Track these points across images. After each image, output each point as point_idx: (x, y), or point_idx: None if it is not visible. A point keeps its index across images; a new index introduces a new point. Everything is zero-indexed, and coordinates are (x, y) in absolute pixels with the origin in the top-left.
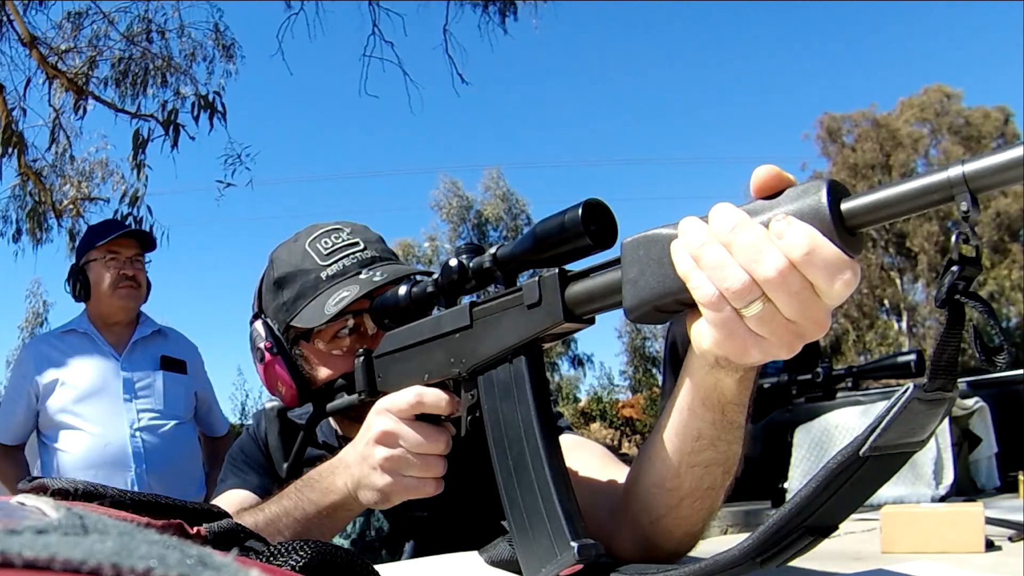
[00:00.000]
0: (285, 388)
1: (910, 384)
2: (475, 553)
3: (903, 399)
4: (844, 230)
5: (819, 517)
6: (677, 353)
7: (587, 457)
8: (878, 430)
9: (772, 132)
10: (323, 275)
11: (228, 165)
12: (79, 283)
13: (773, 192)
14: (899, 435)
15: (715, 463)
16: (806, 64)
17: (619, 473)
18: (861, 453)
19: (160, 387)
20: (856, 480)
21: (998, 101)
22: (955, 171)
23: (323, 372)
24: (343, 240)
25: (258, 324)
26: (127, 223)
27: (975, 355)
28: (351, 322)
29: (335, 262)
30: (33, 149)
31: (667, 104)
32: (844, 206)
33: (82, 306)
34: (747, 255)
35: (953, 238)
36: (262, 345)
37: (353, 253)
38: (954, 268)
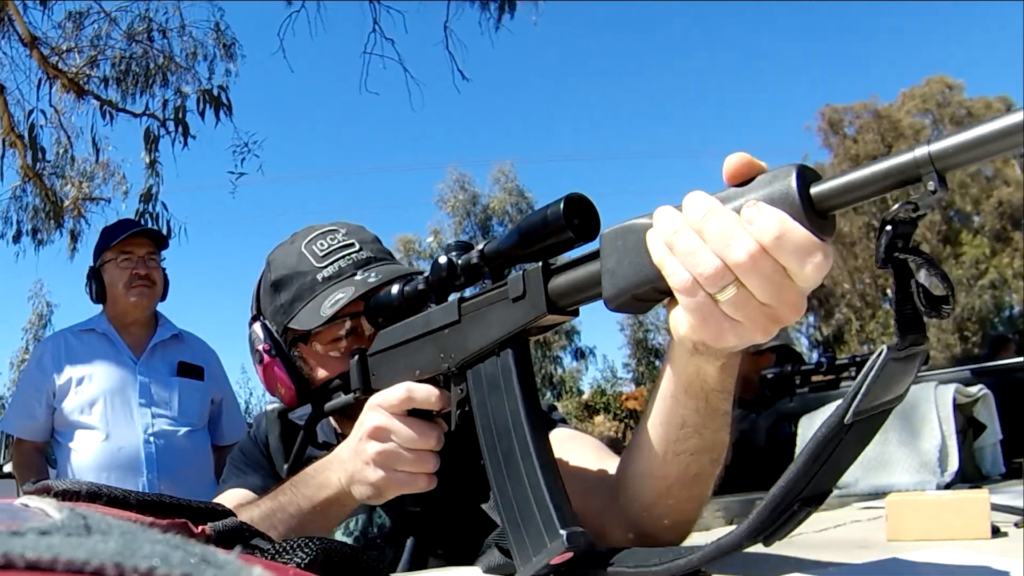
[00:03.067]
0: (284, 389)
1: (883, 347)
2: (476, 569)
3: (878, 363)
4: (814, 213)
5: (812, 488)
6: None
7: (581, 449)
8: (859, 396)
9: (773, 124)
10: (319, 277)
11: (237, 155)
12: (95, 285)
13: (745, 179)
14: (879, 396)
15: (701, 451)
16: (808, 56)
17: (612, 465)
18: (846, 421)
19: (176, 393)
20: (843, 446)
21: (1000, 91)
22: (921, 151)
23: (321, 373)
24: (339, 241)
25: (256, 326)
26: (143, 221)
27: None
28: (348, 324)
29: (331, 264)
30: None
31: (668, 97)
32: (814, 190)
33: (90, 306)
34: (719, 241)
35: (896, 205)
36: (261, 347)
37: (349, 254)
38: (888, 228)
